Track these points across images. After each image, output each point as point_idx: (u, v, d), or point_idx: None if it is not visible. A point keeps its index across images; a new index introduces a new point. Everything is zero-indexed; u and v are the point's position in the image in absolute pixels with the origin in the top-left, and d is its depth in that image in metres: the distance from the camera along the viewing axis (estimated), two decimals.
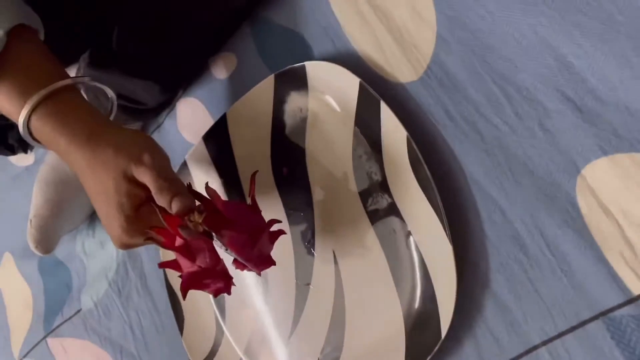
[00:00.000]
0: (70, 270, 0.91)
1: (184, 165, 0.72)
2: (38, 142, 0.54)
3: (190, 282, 0.50)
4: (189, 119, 0.76)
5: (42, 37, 0.56)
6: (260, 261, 0.53)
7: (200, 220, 0.49)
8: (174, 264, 0.51)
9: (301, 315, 0.61)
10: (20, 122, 0.51)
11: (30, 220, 0.81)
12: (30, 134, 0.53)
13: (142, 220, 0.51)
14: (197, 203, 0.51)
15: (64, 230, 0.85)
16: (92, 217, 0.89)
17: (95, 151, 0.51)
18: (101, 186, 0.51)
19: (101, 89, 0.58)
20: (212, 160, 0.70)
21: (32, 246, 0.82)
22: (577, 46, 0.46)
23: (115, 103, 0.61)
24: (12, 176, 1.05)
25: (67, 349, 0.90)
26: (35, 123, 0.52)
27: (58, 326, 0.91)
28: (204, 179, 0.70)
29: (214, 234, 0.49)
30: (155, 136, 0.80)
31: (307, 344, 0.60)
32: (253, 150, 0.66)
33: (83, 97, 0.55)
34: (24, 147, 1.02)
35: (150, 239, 0.52)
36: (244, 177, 0.67)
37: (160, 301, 0.77)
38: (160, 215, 0.50)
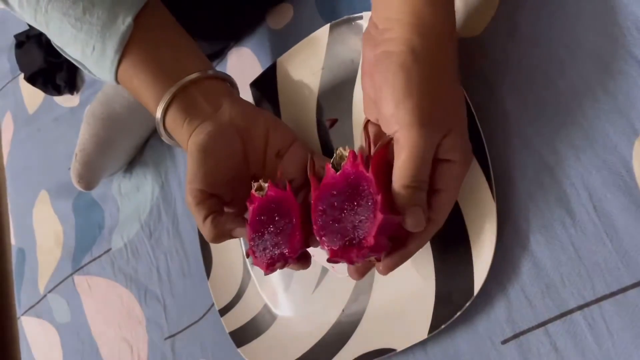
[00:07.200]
0: (103, 210, 0.92)
1: None
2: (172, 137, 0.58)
3: None
4: (239, 68, 0.76)
5: None
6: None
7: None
8: None
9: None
10: (158, 117, 0.56)
11: (76, 155, 0.81)
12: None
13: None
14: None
15: (107, 169, 0.86)
16: (131, 162, 0.90)
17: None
18: None
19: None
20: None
21: (74, 180, 0.82)
22: None
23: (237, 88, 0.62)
24: (56, 116, 1.06)
25: (92, 287, 0.91)
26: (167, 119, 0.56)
27: (86, 264, 0.92)
28: None
29: None
30: None
31: (332, 296, 0.60)
32: (299, 99, 0.66)
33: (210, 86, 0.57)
34: (71, 88, 1.04)
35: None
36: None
37: (190, 245, 0.78)
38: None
